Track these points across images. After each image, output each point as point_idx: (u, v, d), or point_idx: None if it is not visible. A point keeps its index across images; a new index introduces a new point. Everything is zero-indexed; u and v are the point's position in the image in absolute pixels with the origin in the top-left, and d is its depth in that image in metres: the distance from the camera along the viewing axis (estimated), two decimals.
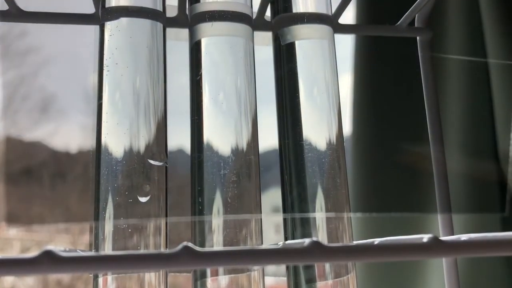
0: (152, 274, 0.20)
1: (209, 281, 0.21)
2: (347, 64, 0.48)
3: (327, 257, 0.16)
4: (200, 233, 0.21)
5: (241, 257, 0.16)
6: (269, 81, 0.25)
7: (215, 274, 0.21)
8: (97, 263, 0.15)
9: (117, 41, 0.22)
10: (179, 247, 0.15)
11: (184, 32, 0.24)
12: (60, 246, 0.16)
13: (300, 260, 0.16)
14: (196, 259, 0.15)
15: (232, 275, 0.21)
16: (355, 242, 0.23)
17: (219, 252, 0.16)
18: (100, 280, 0.20)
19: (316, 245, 0.16)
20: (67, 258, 0.14)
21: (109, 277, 0.20)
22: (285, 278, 0.23)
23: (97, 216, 0.21)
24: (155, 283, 0.20)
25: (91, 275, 0.21)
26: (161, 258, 0.15)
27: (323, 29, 0.24)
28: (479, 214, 0.43)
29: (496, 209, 0.43)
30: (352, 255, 0.16)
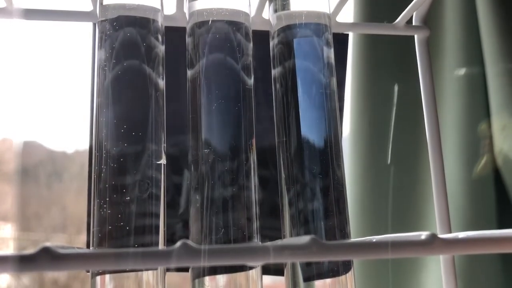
0: (150, 273, 0.20)
1: (207, 279, 0.21)
2: (344, 62, 0.48)
3: (325, 254, 0.16)
4: (197, 231, 0.21)
5: (240, 254, 0.16)
6: (267, 79, 0.25)
7: (213, 272, 0.21)
8: (95, 260, 0.15)
9: (114, 38, 0.22)
10: (177, 244, 0.15)
11: (182, 30, 0.24)
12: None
13: (298, 257, 0.16)
14: (194, 256, 0.15)
15: (230, 274, 0.21)
16: (353, 239, 0.23)
17: (218, 249, 0.16)
18: (98, 279, 0.20)
19: (314, 242, 0.16)
20: (65, 255, 0.14)
21: (107, 276, 0.20)
22: (282, 278, 0.23)
23: (94, 214, 0.21)
24: (152, 282, 0.20)
25: (89, 274, 0.21)
26: (159, 255, 0.15)
27: (321, 27, 0.24)
28: (476, 213, 0.43)
29: (492, 207, 0.44)
30: (350, 252, 0.16)
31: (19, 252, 0.14)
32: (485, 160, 0.43)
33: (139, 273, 0.20)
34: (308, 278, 0.22)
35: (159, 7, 0.23)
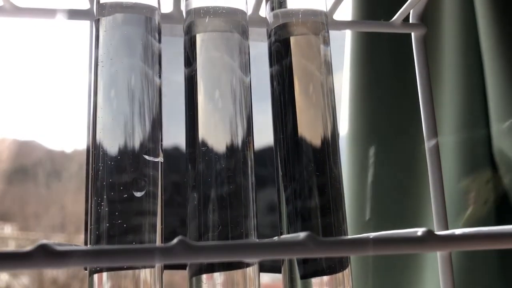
0: (147, 271, 0.20)
1: (204, 277, 0.21)
2: (342, 60, 0.48)
3: (322, 250, 0.16)
4: (195, 229, 0.21)
5: (237, 251, 0.16)
6: (264, 77, 0.25)
7: (210, 270, 0.21)
8: (92, 256, 0.15)
9: (111, 36, 0.22)
10: (175, 240, 0.15)
11: (179, 28, 0.24)
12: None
13: (295, 253, 0.16)
14: (191, 253, 0.15)
15: (228, 271, 0.21)
16: (350, 236, 0.23)
17: (214, 246, 0.16)
18: (95, 277, 0.20)
19: (311, 238, 0.16)
20: (62, 252, 0.14)
21: (104, 274, 0.20)
22: (280, 276, 0.23)
23: (91, 212, 0.21)
24: (150, 281, 0.20)
25: (87, 272, 0.21)
26: (156, 251, 0.15)
27: (318, 25, 0.24)
28: (473, 209, 0.43)
29: (489, 204, 0.44)
30: (347, 248, 0.16)
31: (16, 249, 0.14)
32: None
33: (137, 271, 0.20)
34: (305, 275, 0.22)
35: (156, 5, 0.23)
